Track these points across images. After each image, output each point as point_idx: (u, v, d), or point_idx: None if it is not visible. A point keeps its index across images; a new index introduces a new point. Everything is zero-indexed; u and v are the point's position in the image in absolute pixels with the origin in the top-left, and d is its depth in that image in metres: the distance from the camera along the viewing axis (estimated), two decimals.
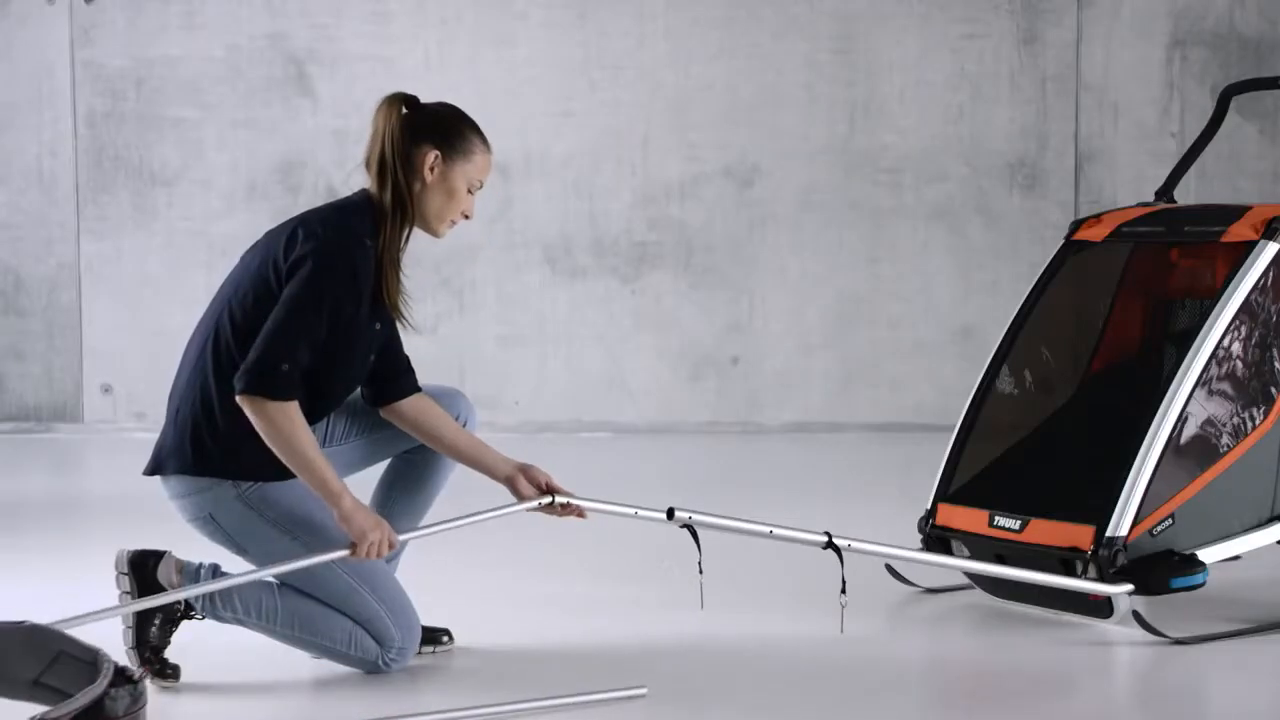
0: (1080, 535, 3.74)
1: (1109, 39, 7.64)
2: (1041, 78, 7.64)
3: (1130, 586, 3.69)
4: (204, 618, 3.38)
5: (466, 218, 3.46)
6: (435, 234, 3.47)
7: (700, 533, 3.52)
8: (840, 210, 7.66)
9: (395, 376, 3.54)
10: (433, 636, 3.62)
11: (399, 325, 3.47)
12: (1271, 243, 3.89)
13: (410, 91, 3.51)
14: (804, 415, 7.69)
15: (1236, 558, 3.92)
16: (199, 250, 7.60)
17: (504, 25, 7.50)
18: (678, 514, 3.43)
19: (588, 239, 7.60)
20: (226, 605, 3.35)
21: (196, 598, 3.33)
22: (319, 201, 7.49)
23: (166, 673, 3.33)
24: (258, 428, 3.23)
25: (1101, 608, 3.78)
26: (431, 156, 3.38)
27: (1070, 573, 3.77)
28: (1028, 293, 4.28)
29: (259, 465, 3.29)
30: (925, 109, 7.63)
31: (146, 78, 7.56)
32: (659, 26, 7.60)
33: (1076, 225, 4.31)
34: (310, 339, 3.24)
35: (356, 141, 7.58)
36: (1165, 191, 4.49)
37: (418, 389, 3.55)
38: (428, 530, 3.46)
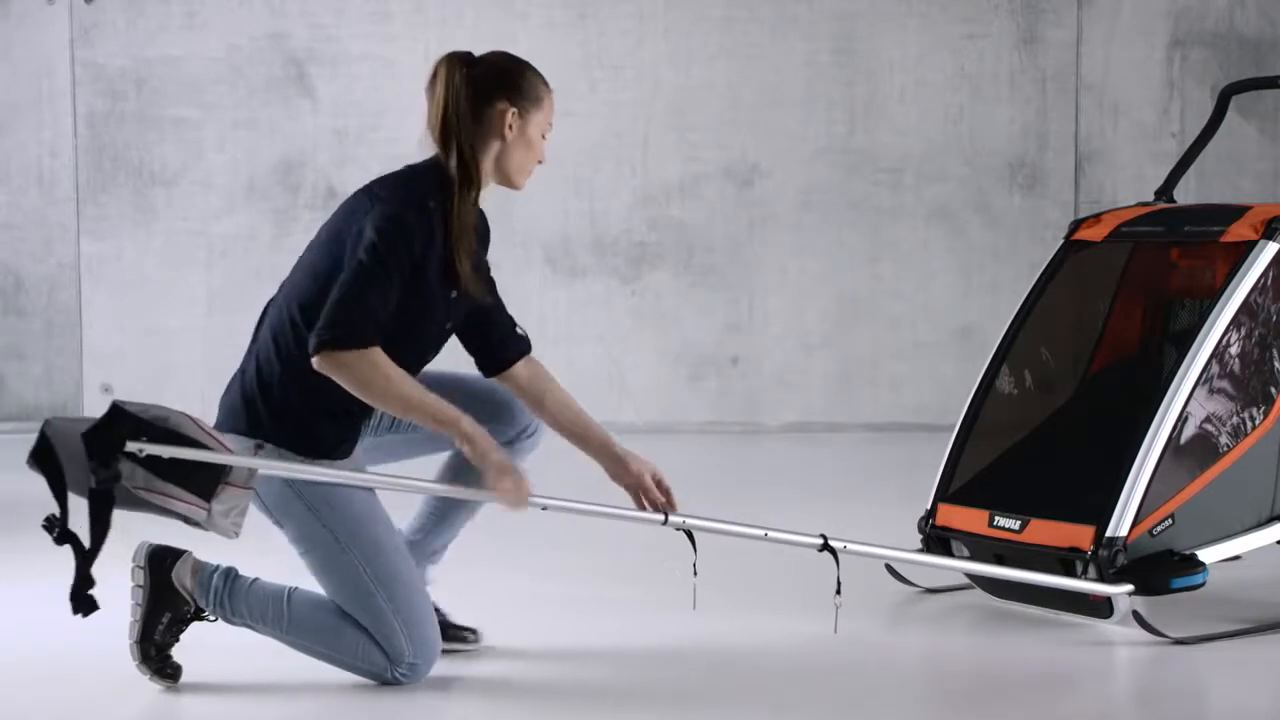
0: (1080, 535, 3.74)
1: (1109, 39, 7.64)
2: (1041, 78, 7.64)
3: (1130, 586, 3.69)
4: (216, 619, 3.37)
5: (540, 163, 3.44)
6: (517, 187, 3.44)
7: (697, 535, 3.51)
8: (840, 210, 7.66)
9: (504, 341, 3.54)
10: (459, 635, 3.63)
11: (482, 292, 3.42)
12: (1271, 243, 3.89)
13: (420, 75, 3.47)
14: (804, 415, 7.69)
15: (1236, 558, 3.92)
16: (199, 250, 7.60)
17: (504, 25, 7.50)
18: (672, 518, 3.43)
19: (588, 239, 7.60)
20: (236, 611, 3.34)
21: (208, 600, 3.33)
22: (319, 201, 7.53)
23: (167, 672, 3.33)
24: (345, 384, 3.19)
25: (1101, 608, 3.78)
26: (509, 115, 3.34)
27: (1070, 573, 3.77)
28: (1027, 293, 4.28)
29: (306, 440, 3.27)
30: (925, 109, 7.63)
31: (146, 78, 7.56)
32: (659, 26, 7.60)
33: (1076, 225, 4.31)
34: (379, 296, 3.20)
35: (356, 141, 7.63)
36: (1165, 191, 4.49)
37: (527, 350, 3.55)
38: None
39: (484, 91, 3.34)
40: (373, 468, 3.50)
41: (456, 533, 3.66)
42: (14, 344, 7.65)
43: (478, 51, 3.43)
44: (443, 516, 3.63)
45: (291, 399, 3.29)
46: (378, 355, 3.19)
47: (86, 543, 3.11)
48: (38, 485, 3.20)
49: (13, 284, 7.65)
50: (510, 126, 3.35)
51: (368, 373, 3.18)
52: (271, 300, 3.45)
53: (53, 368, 7.66)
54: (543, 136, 3.40)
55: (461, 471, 3.57)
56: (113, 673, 3.39)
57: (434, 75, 3.36)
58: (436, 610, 3.62)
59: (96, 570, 3.10)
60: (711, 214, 7.66)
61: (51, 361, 7.66)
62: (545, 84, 3.41)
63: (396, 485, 3.31)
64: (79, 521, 3.11)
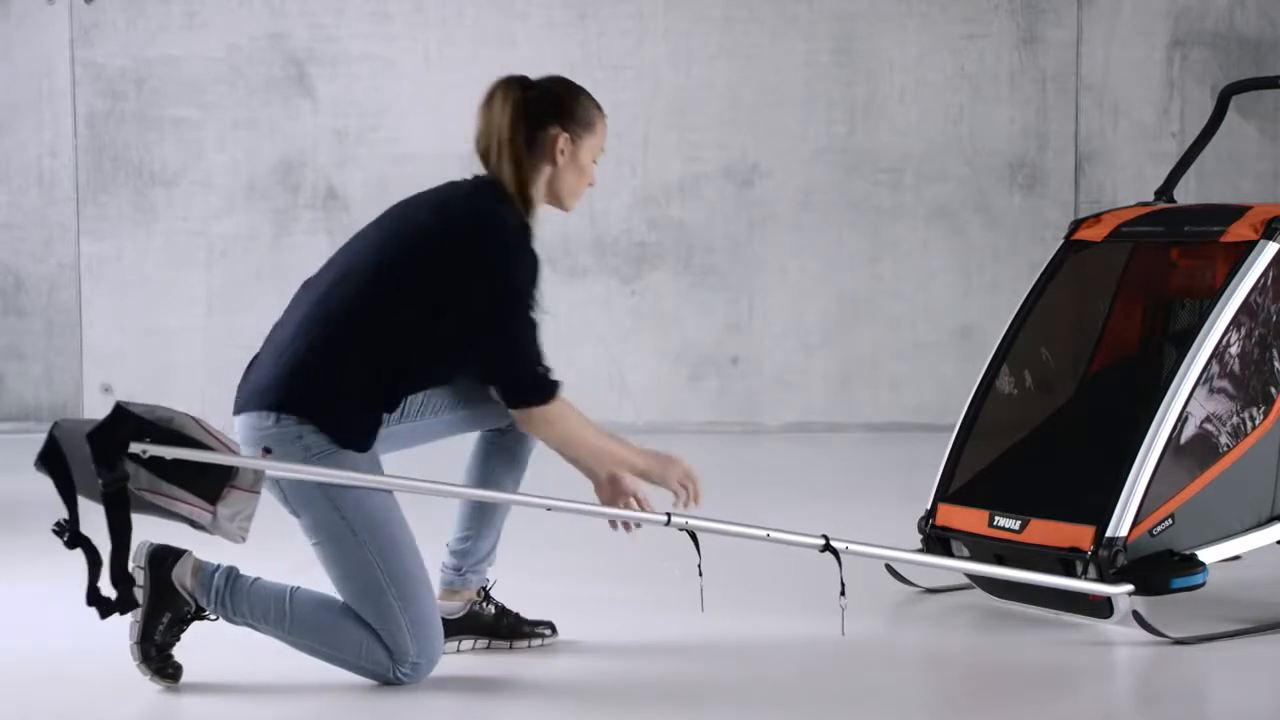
0: (1080, 535, 3.74)
1: (1109, 39, 7.64)
2: (1041, 78, 7.64)
3: (1130, 586, 3.69)
4: (216, 618, 3.37)
5: (591, 185, 3.52)
6: (567, 209, 3.55)
7: (700, 536, 3.52)
8: (840, 210, 7.67)
9: None
10: (535, 632, 3.67)
11: None
12: (1271, 243, 3.89)
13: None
14: (804, 415, 7.69)
15: (1236, 558, 3.92)
16: (199, 250, 7.60)
17: (504, 25, 7.50)
18: (675, 519, 3.44)
19: (588, 239, 7.60)
20: (238, 611, 3.33)
21: (209, 600, 3.32)
22: (319, 201, 7.52)
23: (168, 672, 3.32)
24: (544, 436, 3.40)
25: (1101, 608, 3.78)
26: (561, 140, 3.41)
27: (1070, 573, 3.77)
28: (1027, 293, 4.28)
29: (338, 423, 3.27)
30: (925, 109, 7.63)
31: (146, 78, 7.56)
32: (659, 26, 7.60)
33: (1076, 225, 4.31)
34: (536, 332, 3.35)
35: (356, 141, 7.63)
36: (1165, 191, 4.49)
37: None
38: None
39: (537, 116, 3.41)
40: (384, 457, 3.49)
41: (499, 530, 3.68)
42: (14, 344, 7.65)
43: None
44: (482, 515, 3.65)
45: (334, 386, 3.29)
46: (567, 406, 3.39)
47: (98, 546, 3.12)
48: (38, 486, 3.20)
49: (13, 284, 7.65)
50: (562, 151, 3.43)
51: (564, 424, 3.39)
52: (307, 284, 3.46)
53: (53, 368, 7.66)
54: (594, 160, 3.49)
55: (492, 472, 3.61)
56: (113, 673, 3.39)
57: (489, 97, 3.42)
58: (509, 611, 3.67)
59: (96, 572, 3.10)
60: (711, 214, 7.66)
61: (51, 361, 7.66)
62: (598, 109, 3.50)
63: (404, 487, 3.31)
64: (91, 524, 3.11)
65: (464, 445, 3.66)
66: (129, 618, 3.31)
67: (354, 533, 3.28)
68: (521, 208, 3.42)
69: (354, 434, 3.31)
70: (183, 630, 3.34)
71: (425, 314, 3.32)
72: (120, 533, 3.07)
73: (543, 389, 3.36)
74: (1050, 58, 7.63)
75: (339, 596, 3.34)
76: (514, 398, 3.36)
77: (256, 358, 3.43)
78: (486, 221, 3.36)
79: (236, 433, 3.35)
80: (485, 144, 3.41)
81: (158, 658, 3.32)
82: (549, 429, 3.39)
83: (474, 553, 3.65)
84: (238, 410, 3.36)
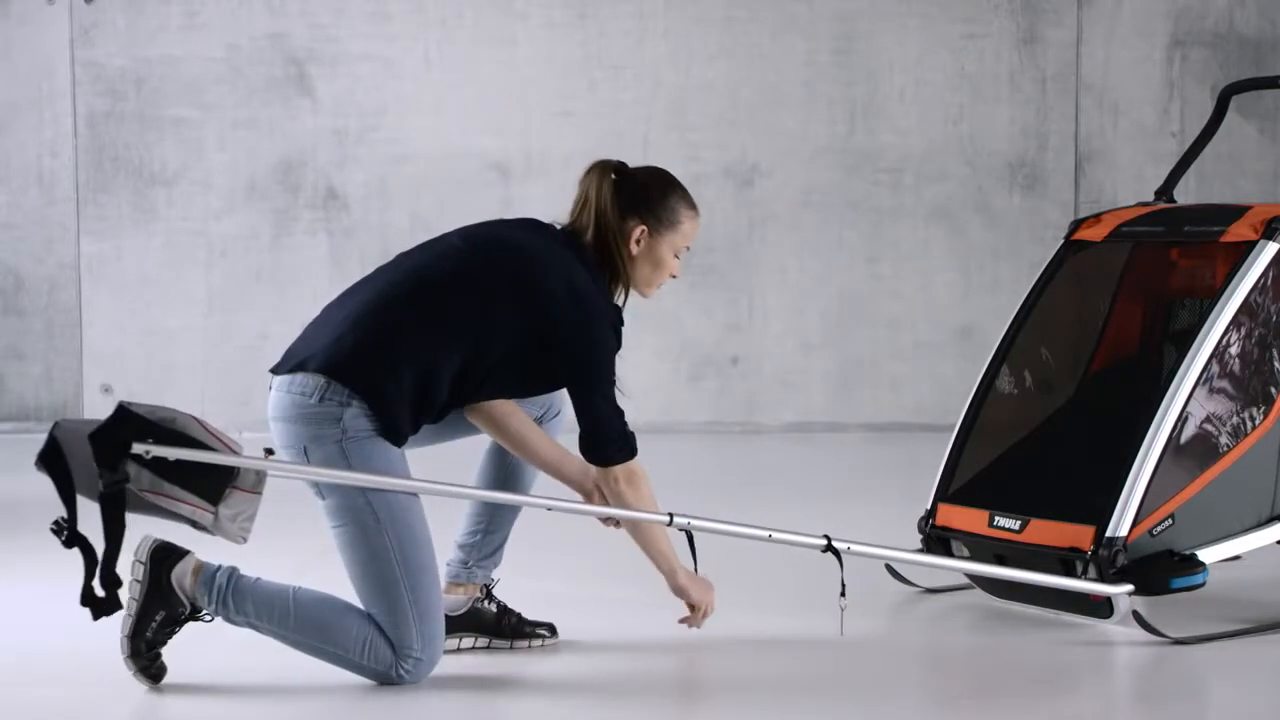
0: (1080, 535, 3.74)
1: (1109, 39, 7.64)
2: (1041, 78, 7.64)
3: (1130, 586, 3.69)
4: (212, 620, 3.36)
5: (674, 277, 3.57)
6: (644, 296, 3.59)
7: (700, 536, 3.53)
8: (840, 210, 7.67)
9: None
10: (534, 632, 3.69)
11: None
12: (1271, 243, 3.89)
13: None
14: (804, 415, 7.69)
15: (1236, 558, 3.92)
16: (199, 250, 7.60)
17: (504, 25, 7.50)
18: (677, 519, 3.44)
19: None
20: (240, 610, 3.32)
21: (210, 600, 3.32)
22: (319, 201, 7.52)
23: (152, 671, 3.31)
24: (628, 492, 3.44)
25: (1101, 608, 3.78)
26: (638, 231, 3.49)
27: (1070, 573, 3.77)
28: (1027, 293, 4.28)
29: (384, 408, 3.28)
30: (925, 109, 7.63)
31: (146, 78, 7.57)
32: (659, 26, 7.60)
33: (1076, 225, 4.31)
34: (614, 394, 3.44)
35: (356, 141, 7.63)
36: (1165, 191, 4.49)
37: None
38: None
39: (622, 204, 3.49)
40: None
41: (508, 529, 3.70)
42: (14, 344, 7.65)
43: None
44: (494, 511, 3.67)
45: (391, 364, 3.30)
46: (640, 465, 3.47)
47: (96, 546, 3.12)
48: (38, 485, 3.20)
49: (13, 284, 7.65)
50: (638, 242, 3.49)
51: (645, 483, 3.46)
52: (357, 288, 3.45)
53: (53, 368, 7.66)
54: (676, 256, 3.54)
55: (505, 472, 3.64)
56: (113, 673, 3.38)
57: (587, 173, 3.52)
58: (511, 611, 3.70)
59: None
60: (711, 214, 7.62)
61: (51, 361, 7.66)
62: (689, 206, 3.55)
63: (405, 486, 3.31)
64: (88, 524, 3.11)
65: (475, 445, 3.67)
66: (123, 611, 3.31)
67: (377, 518, 3.28)
68: (610, 283, 3.51)
69: (395, 425, 3.31)
70: (174, 631, 3.33)
71: (508, 352, 3.37)
72: (114, 534, 3.07)
73: (632, 445, 3.44)
74: (1050, 58, 7.64)
75: (348, 587, 3.34)
76: (607, 452, 3.42)
77: (312, 325, 3.42)
78: (589, 300, 3.41)
79: (270, 392, 3.35)
80: (578, 215, 3.50)
81: (146, 654, 3.30)
82: (633, 487, 3.44)
83: (482, 547, 3.67)
84: (284, 369, 3.35)
